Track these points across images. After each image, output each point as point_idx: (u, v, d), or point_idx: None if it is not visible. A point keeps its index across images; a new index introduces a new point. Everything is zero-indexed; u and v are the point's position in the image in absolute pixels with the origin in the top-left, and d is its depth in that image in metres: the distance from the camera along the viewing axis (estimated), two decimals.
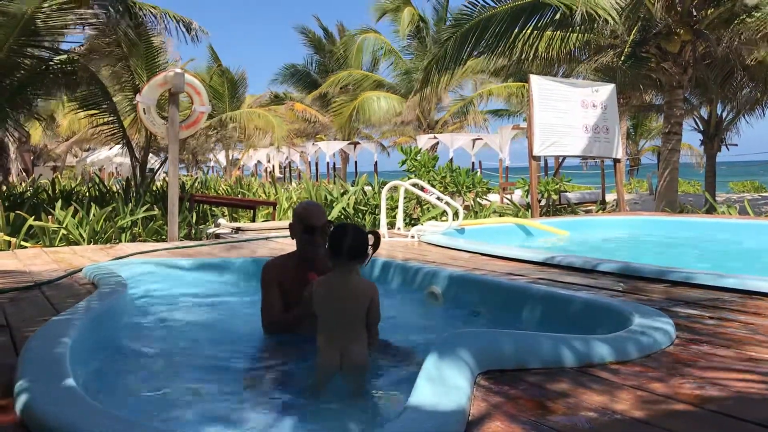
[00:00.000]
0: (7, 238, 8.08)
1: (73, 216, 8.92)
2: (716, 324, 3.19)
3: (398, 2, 27.87)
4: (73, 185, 16.55)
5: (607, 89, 11.90)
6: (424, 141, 24.45)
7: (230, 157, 32.63)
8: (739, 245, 8.28)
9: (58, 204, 9.56)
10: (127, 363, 3.23)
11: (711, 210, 12.38)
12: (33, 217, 8.62)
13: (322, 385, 2.70)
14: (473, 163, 27.51)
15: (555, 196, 13.66)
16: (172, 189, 8.58)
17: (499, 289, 4.29)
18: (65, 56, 11.83)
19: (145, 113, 9.04)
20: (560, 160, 15.87)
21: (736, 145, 22.52)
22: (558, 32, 13.45)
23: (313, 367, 2.78)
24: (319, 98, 32.80)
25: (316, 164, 36.18)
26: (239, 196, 15.07)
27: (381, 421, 2.45)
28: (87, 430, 1.84)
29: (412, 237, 7.54)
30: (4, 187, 13.46)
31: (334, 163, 33.55)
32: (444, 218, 9.13)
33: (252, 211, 11.90)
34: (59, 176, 23.66)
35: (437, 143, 26.08)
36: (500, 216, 11.68)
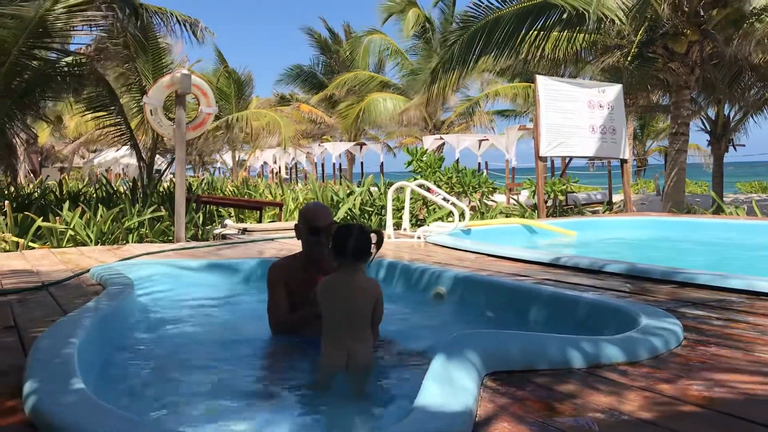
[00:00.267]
0: (15, 239, 8.11)
1: (81, 217, 8.95)
2: (724, 325, 3.17)
3: (403, 4, 27.88)
4: (80, 186, 16.61)
5: (614, 90, 11.87)
6: (430, 142, 24.45)
7: (237, 158, 32.70)
8: (746, 246, 8.24)
9: (66, 205, 9.59)
10: (134, 363, 3.24)
11: (718, 211, 12.32)
12: (41, 218, 8.66)
13: (326, 385, 2.70)
14: (479, 163, 27.49)
15: (562, 197, 13.62)
16: (179, 190, 8.60)
17: (505, 290, 4.28)
18: (73, 58, 11.87)
19: (152, 114, 9.06)
20: (567, 161, 15.84)
21: (744, 145, 22.41)
22: (564, 33, 13.43)
23: (318, 367, 2.79)
24: (325, 99, 32.85)
25: (322, 165, 36.25)
26: (246, 197, 15.09)
27: (387, 421, 2.45)
28: (95, 430, 1.85)
29: (419, 238, 7.54)
30: (13, 188, 13.52)
31: (340, 164, 33.60)
32: (450, 219, 9.12)
33: (258, 211, 11.92)
34: (66, 177, 23.77)
35: (443, 144, 26.07)
36: (507, 217, 11.66)
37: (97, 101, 12.68)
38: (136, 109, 12.81)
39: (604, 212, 14.69)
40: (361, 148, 32.27)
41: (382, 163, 31.62)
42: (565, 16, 11.75)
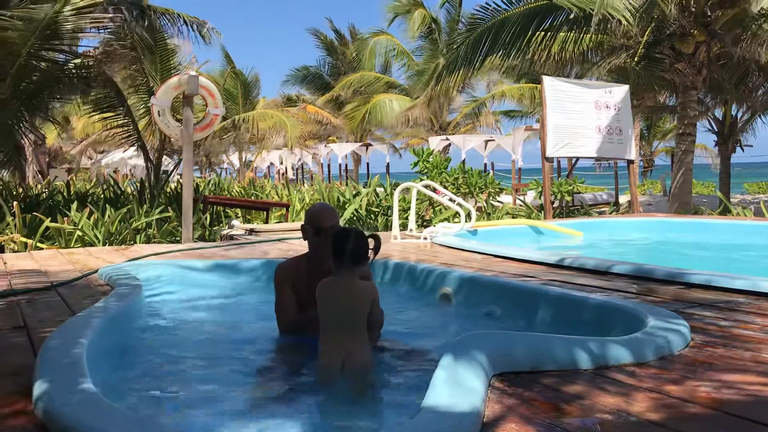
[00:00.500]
0: (24, 239, 8.16)
1: (89, 218, 9.00)
2: (731, 326, 3.17)
3: (410, 5, 27.88)
4: (88, 187, 16.66)
5: (621, 90, 11.85)
6: (436, 142, 24.43)
7: (243, 159, 32.77)
8: (754, 247, 8.21)
9: (74, 206, 9.64)
10: (142, 363, 3.26)
11: (725, 211, 12.28)
12: (49, 218, 8.70)
13: (326, 386, 2.73)
14: (485, 164, 27.47)
15: (568, 198, 13.61)
16: (187, 190, 8.63)
17: (512, 290, 4.28)
18: (81, 60, 11.92)
19: (159, 116, 9.10)
20: (573, 162, 15.81)
21: (751, 146, 22.34)
22: (571, 34, 13.41)
23: (317, 368, 2.82)
24: (331, 100, 32.89)
25: (329, 166, 36.29)
26: (252, 197, 15.13)
27: (393, 422, 2.46)
28: (105, 430, 1.86)
29: (425, 238, 7.55)
30: (21, 189, 13.58)
31: (347, 165, 33.62)
32: (456, 220, 9.12)
33: (265, 212, 11.95)
34: (74, 178, 23.84)
35: (449, 144, 26.06)
36: (513, 217, 11.65)
37: (105, 102, 12.72)
38: (144, 110, 12.85)
39: (610, 213, 14.67)
40: (367, 148, 32.29)
41: (388, 163, 31.64)
42: (571, 17, 11.74)
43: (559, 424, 1.96)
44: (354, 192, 13.00)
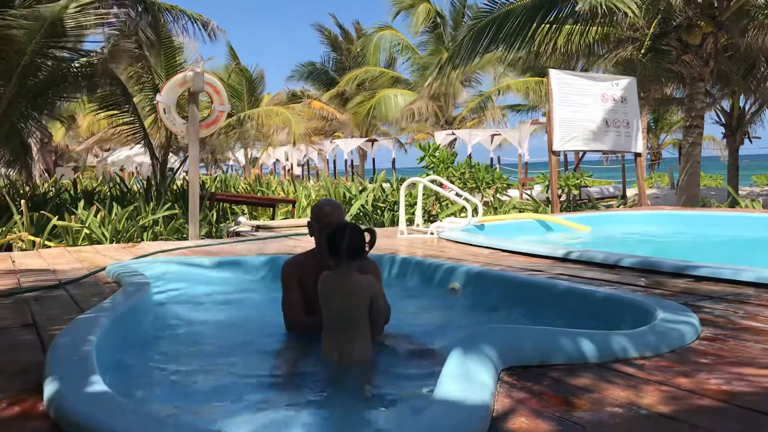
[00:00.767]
0: (32, 237, 8.19)
1: (96, 215, 9.02)
2: (741, 319, 3.15)
3: None
4: (94, 185, 16.71)
5: (628, 83, 11.79)
6: (441, 137, 24.38)
7: (249, 156, 32.78)
8: (763, 239, 8.16)
9: (81, 204, 9.67)
10: (151, 360, 3.27)
11: (734, 204, 12.22)
12: (56, 216, 8.73)
13: (332, 381, 2.74)
14: (492, 158, 27.40)
15: (575, 191, 13.56)
16: (193, 188, 8.65)
17: (520, 285, 4.27)
18: (86, 58, 11.94)
19: (165, 113, 9.11)
20: (580, 155, 15.75)
21: (760, 138, 22.29)
22: (577, 26, 13.35)
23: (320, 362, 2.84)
24: (336, 96, 32.86)
25: (334, 162, 36.28)
26: (258, 194, 15.14)
27: (401, 416, 2.45)
28: (115, 426, 1.87)
29: (432, 234, 7.54)
30: (28, 188, 13.63)
31: (352, 161, 33.60)
32: (463, 215, 9.10)
33: (271, 209, 11.96)
34: (80, 176, 23.90)
35: (455, 139, 26.00)
36: (520, 212, 11.62)
37: (111, 100, 12.75)
38: (150, 107, 12.87)
39: (618, 206, 14.62)
40: (372, 144, 32.24)
41: (393, 159, 31.60)
42: (577, 8, 11.67)
43: (569, 418, 1.95)
44: (360, 188, 12.98)
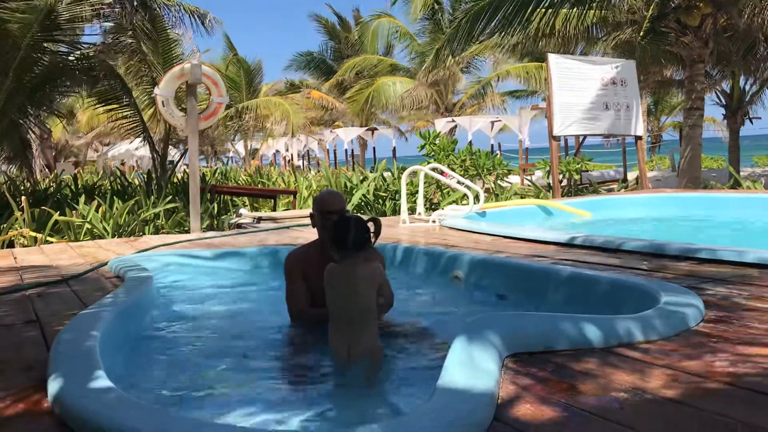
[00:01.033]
0: (34, 233, 8.19)
1: (97, 210, 9.02)
2: (745, 300, 3.14)
3: None
4: (95, 180, 16.71)
5: (627, 66, 11.73)
6: (441, 124, 24.29)
7: (249, 147, 32.72)
8: (766, 220, 8.15)
9: (82, 199, 9.67)
10: (155, 354, 3.27)
11: (735, 185, 12.19)
12: (58, 212, 8.73)
13: (338, 372, 2.74)
14: (492, 145, 27.32)
15: (576, 176, 13.53)
16: (193, 180, 8.63)
17: (523, 271, 4.26)
18: (82, 52, 11.90)
19: (163, 106, 9.07)
20: (581, 139, 15.71)
21: (760, 118, 22.17)
22: (575, 9, 13.26)
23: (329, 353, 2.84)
24: (336, 85, 32.75)
25: (335, 152, 36.20)
26: (259, 185, 15.12)
27: (406, 404, 2.45)
28: (120, 421, 1.86)
29: (434, 222, 7.53)
30: (29, 184, 13.63)
31: (353, 150, 33.54)
32: (465, 202, 9.09)
33: (272, 200, 11.95)
34: (81, 171, 23.90)
35: (455, 126, 25.91)
36: (522, 197, 11.60)
37: (109, 94, 12.71)
38: (148, 101, 12.83)
39: (619, 190, 14.60)
40: (372, 133, 32.15)
41: (394, 147, 31.51)
42: None
43: (574, 404, 1.95)
44: (361, 177, 12.96)
